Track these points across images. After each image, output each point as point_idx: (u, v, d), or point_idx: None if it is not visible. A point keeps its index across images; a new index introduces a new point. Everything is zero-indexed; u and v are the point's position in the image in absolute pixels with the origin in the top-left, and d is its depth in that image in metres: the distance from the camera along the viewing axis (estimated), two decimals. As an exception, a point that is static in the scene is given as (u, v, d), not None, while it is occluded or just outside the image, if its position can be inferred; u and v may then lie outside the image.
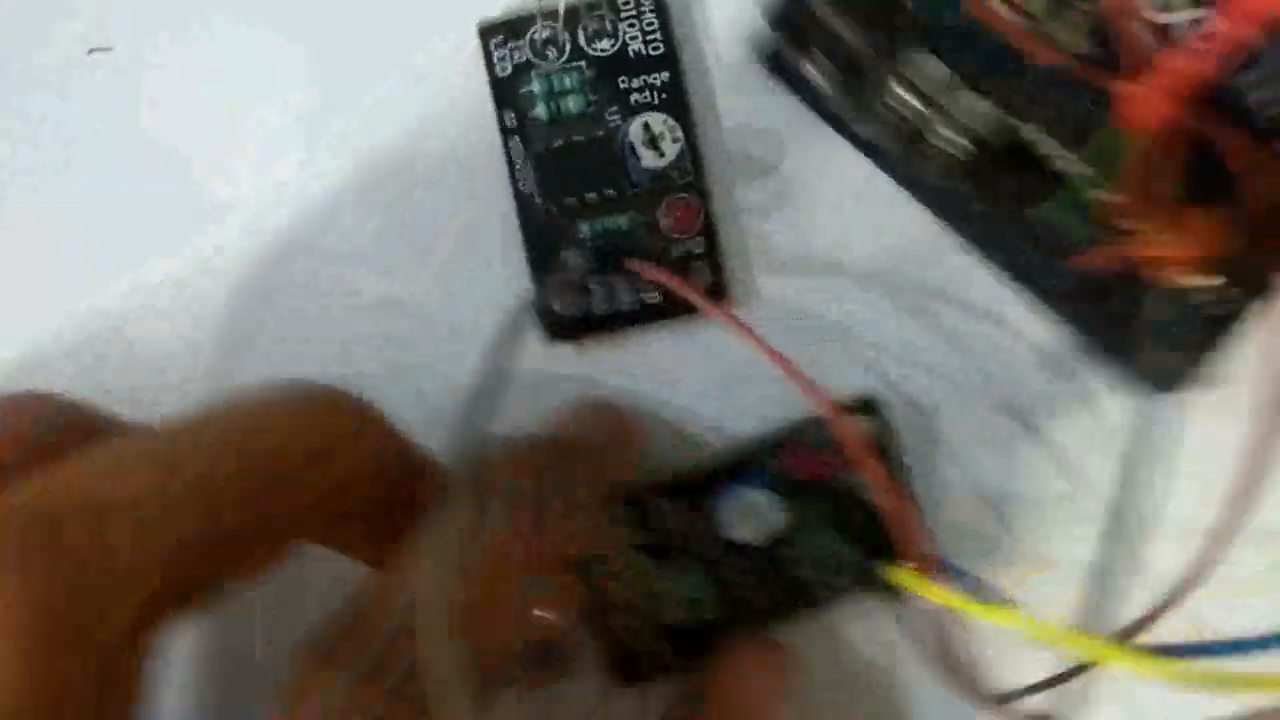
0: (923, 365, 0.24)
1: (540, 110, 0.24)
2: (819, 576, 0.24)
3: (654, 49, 0.24)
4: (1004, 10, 0.22)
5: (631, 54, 0.24)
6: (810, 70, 0.23)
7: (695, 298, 0.22)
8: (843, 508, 0.23)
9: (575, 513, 0.20)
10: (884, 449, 0.23)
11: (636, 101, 0.24)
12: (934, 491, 0.24)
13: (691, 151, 0.24)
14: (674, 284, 0.22)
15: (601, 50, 0.24)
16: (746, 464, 0.24)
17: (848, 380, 0.24)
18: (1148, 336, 0.23)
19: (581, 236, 0.24)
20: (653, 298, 0.24)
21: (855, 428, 0.23)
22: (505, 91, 0.24)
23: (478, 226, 0.24)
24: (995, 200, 0.23)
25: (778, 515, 0.23)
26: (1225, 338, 0.23)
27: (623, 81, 0.24)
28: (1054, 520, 0.24)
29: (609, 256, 0.24)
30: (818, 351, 0.24)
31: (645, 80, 0.24)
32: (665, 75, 0.24)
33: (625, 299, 0.24)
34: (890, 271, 0.24)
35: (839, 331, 0.24)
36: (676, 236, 0.24)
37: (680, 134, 0.24)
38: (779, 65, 0.23)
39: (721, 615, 0.24)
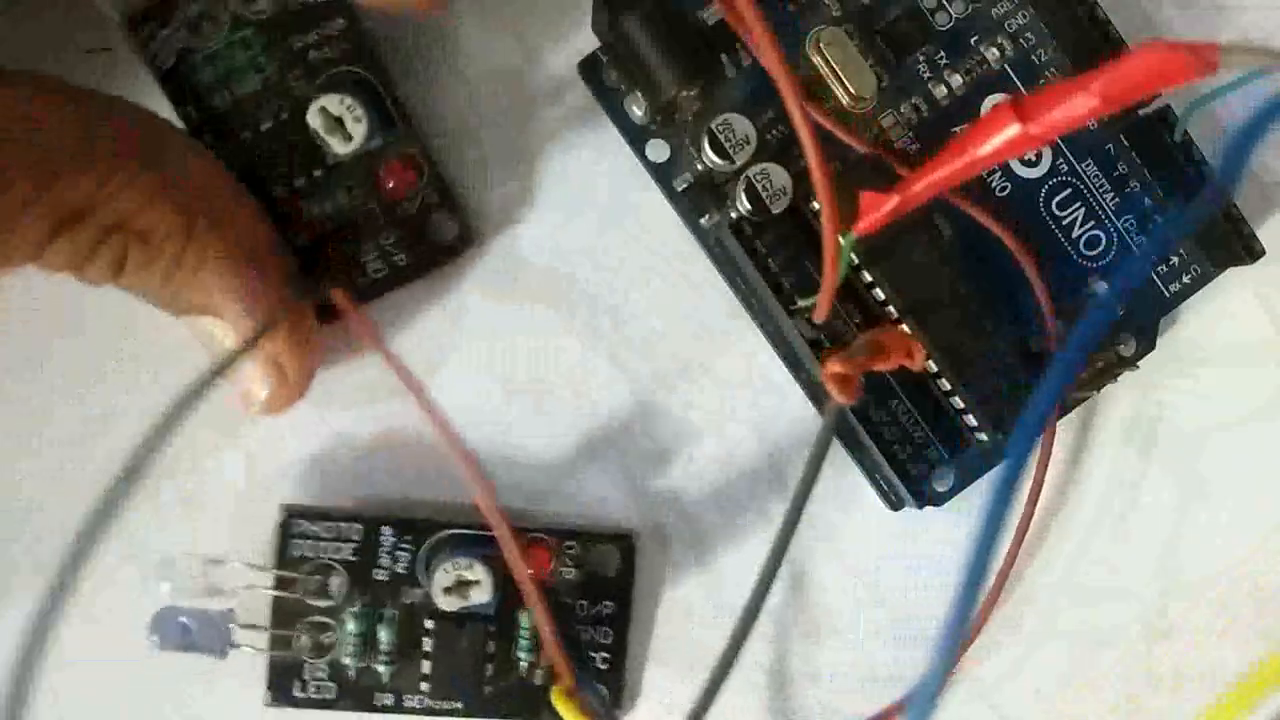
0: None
1: (219, 99, 0.22)
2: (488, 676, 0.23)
3: (318, -5, 0.22)
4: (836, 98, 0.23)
5: (293, 6, 0.22)
6: (631, 107, 0.23)
7: (367, 334, 0.22)
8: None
9: None
10: (618, 581, 0.24)
11: (315, 59, 0.22)
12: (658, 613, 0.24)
13: (391, 106, 0.22)
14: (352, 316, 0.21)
15: (260, 11, 0.22)
16: (482, 533, 0.23)
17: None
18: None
19: (309, 220, 0.22)
20: (401, 259, 0.23)
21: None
22: (177, 86, 0.22)
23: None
24: (765, 272, 0.23)
25: (487, 602, 0.23)
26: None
27: (296, 41, 0.22)
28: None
29: (346, 235, 0.23)
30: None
31: (319, 33, 0.22)
32: (340, 22, 0.22)
33: (375, 267, 0.23)
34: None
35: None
36: (405, 196, 0.23)
37: (360, 111, 0.21)
38: (602, 90, 0.23)
39: (389, 673, 0.23)
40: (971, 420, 0.23)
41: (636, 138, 0.24)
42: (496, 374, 0.24)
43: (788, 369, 0.24)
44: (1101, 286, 0.24)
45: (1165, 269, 0.24)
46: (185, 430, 0.22)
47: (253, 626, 0.23)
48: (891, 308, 0.23)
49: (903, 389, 0.24)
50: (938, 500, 0.24)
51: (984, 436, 0.24)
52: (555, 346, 0.24)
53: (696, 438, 0.25)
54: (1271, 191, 0.25)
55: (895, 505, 0.24)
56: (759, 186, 0.23)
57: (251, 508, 0.23)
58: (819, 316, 0.21)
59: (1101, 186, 0.24)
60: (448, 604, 0.23)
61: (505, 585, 0.23)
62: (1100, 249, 0.24)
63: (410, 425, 0.24)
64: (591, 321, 0.24)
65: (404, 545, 0.23)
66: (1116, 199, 0.24)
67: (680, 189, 0.24)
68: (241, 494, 0.24)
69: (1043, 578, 0.25)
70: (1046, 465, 0.24)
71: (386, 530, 0.23)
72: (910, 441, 0.24)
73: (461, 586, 0.23)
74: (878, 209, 0.20)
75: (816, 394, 0.24)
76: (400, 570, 0.23)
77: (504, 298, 0.24)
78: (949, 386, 0.23)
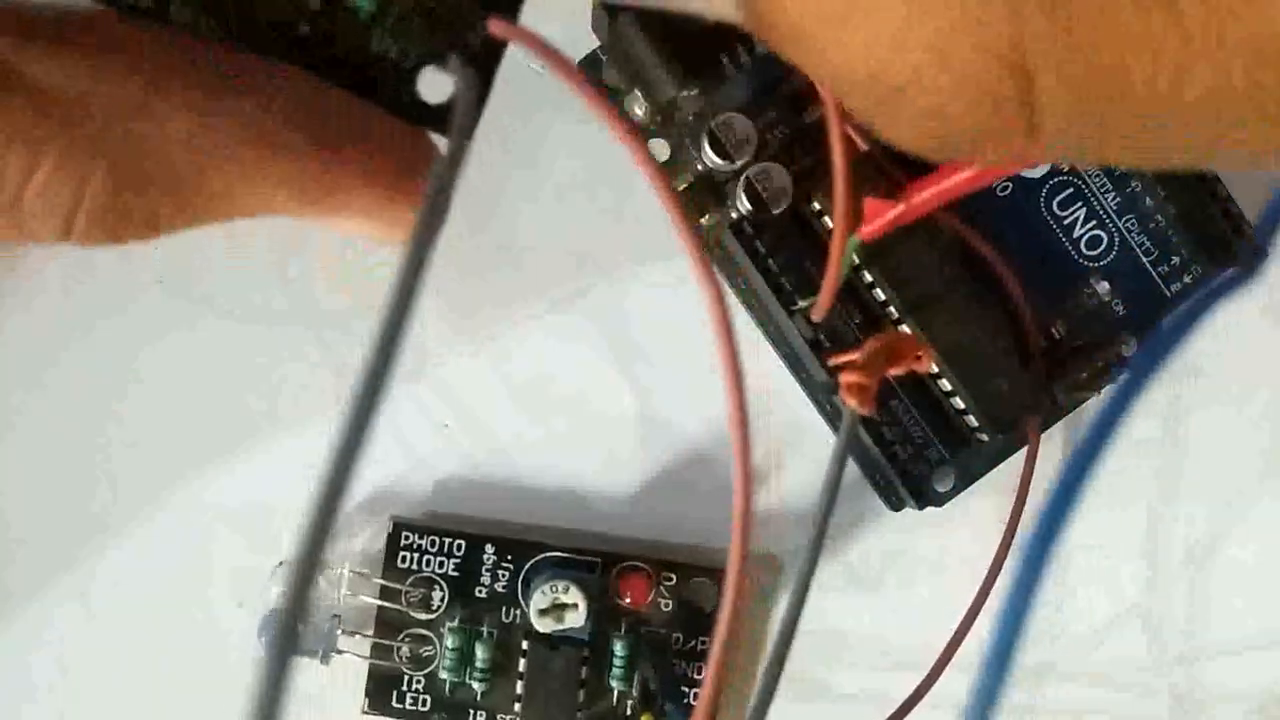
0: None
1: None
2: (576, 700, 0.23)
3: None
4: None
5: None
6: (632, 107, 0.23)
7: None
8: (636, 650, 0.23)
9: None
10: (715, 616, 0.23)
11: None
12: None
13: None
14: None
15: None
16: (582, 558, 0.24)
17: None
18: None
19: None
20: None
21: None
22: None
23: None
24: (765, 273, 0.23)
25: (581, 626, 0.23)
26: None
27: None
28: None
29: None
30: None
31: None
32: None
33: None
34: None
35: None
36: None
37: None
38: (603, 90, 0.23)
39: (483, 690, 0.23)
40: (972, 420, 0.23)
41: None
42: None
43: (788, 369, 0.24)
44: (1103, 287, 0.24)
45: (1166, 269, 0.24)
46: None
47: (356, 634, 0.23)
48: (892, 308, 0.23)
49: (903, 389, 0.24)
50: (938, 500, 0.24)
51: (984, 436, 0.24)
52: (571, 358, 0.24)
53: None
54: (1272, 192, 0.25)
55: (895, 505, 0.25)
56: (759, 186, 0.23)
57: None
58: (818, 313, 0.21)
59: (1102, 186, 0.24)
60: (543, 625, 0.23)
61: (600, 611, 0.23)
62: (1101, 249, 0.24)
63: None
64: (605, 328, 0.24)
65: (505, 564, 0.24)
66: (1117, 199, 0.24)
67: (680, 189, 0.24)
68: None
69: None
70: (1033, 467, 0.24)
71: (489, 548, 0.23)
72: (910, 441, 0.24)
73: (557, 609, 0.23)
74: (882, 216, 0.19)
75: (817, 395, 0.24)
76: (500, 589, 0.24)
77: (509, 300, 0.24)
78: (949, 386, 0.23)
